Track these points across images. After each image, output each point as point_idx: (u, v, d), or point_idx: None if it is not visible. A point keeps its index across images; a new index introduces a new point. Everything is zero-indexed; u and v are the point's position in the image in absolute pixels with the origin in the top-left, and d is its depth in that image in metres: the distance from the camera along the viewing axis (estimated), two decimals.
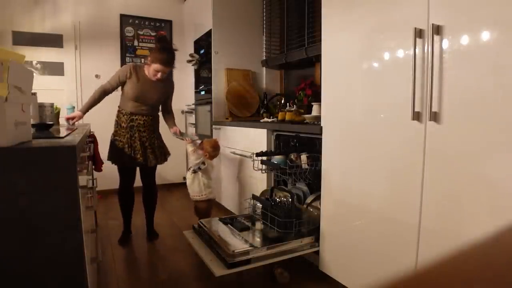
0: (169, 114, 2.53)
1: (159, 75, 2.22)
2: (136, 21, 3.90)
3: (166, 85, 2.39)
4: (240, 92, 3.15)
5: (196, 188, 2.41)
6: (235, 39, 3.20)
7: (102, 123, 3.54)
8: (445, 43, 1.16)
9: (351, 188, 1.61)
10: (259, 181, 2.45)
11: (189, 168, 2.45)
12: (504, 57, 1.01)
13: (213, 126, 3.17)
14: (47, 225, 0.81)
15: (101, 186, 2.93)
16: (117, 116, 2.37)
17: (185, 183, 4.08)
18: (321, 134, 1.77)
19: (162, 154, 2.43)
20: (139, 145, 2.29)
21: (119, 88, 2.35)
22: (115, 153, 2.30)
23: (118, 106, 2.38)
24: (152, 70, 2.21)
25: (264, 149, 2.34)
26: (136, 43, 3.92)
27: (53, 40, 3.52)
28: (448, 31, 1.15)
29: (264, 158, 2.24)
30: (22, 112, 0.89)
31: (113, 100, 3.94)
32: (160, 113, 2.49)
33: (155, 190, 2.52)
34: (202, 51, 3.46)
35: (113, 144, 2.32)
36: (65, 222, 0.83)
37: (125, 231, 2.45)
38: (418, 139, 1.27)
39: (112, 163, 2.33)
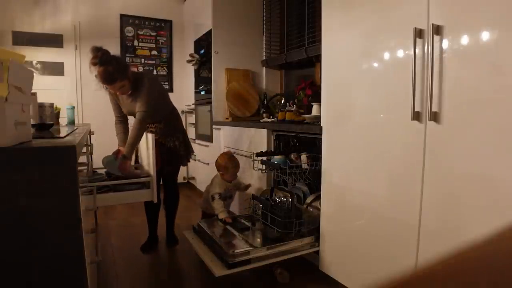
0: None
1: (119, 93, 1.97)
2: (136, 21, 3.90)
3: (136, 89, 2.01)
4: (240, 92, 3.15)
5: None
6: (235, 39, 3.20)
7: (103, 123, 3.55)
8: (445, 43, 1.16)
9: (351, 188, 1.61)
10: (259, 181, 2.44)
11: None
12: (504, 57, 1.01)
13: (213, 126, 3.17)
14: (47, 225, 0.81)
15: None
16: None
17: (186, 183, 4.10)
18: (321, 134, 1.77)
19: (179, 157, 2.29)
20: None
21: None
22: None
23: None
24: None
25: (264, 149, 2.34)
26: (136, 43, 3.92)
27: (53, 40, 3.52)
28: (448, 31, 1.15)
29: (264, 158, 2.24)
30: (22, 112, 0.89)
31: None
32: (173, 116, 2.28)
33: (175, 194, 2.37)
34: (202, 51, 3.46)
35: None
36: (65, 222, 0.83)
37: (149, 238, 2.32)
38: (418, 139, 1.27)
39: None
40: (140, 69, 3.95)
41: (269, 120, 2.75)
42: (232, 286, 1.83)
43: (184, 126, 4.11)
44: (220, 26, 3.14)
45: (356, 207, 1.59)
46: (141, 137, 2.01)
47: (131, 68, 2.04)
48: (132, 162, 2.34)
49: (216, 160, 2.30)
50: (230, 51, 3.20)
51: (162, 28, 4.03)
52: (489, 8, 1.04)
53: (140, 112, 1.96)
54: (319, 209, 1.86)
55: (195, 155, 2.45)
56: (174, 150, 2.26)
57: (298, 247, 1.81)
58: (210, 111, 3.26)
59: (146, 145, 2.23)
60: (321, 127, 1.76)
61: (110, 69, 1.83)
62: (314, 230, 1.86)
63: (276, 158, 2.16)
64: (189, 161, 2.41)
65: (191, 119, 3.91)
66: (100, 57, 1.83)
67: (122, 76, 1.89)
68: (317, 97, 2.05)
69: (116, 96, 2.14)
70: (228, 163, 2.24)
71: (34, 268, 0.81)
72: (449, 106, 1.17)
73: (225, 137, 2.92)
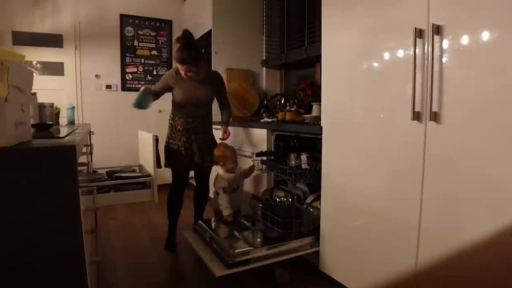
0: (222, 109, 2.44)
1: (184, 74, 2.12)
2: (136, 21, 3.90)
3: (210, 81, 2.26)
4: (240, 92, 3.15)
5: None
6: (235, 39, 3.20)
7: (103, 123, 3.56)
8: (445, 43, 1.16)
9: (351, 188, 1.61)
10: (259, 181, 2.44)
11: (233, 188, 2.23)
12: (504, 57, 1.01)
13: (213, 126, 3.16)
14: (47, 225, 0.81)
15: None
16: (172, 120, 2.28)
17: None
18: (321, 134, 1.77)
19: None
20: (196, 148, 2.22)
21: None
22: (171, 157, 2.25)
23: (172, 110, 2.30)
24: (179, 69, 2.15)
25: (264, 149, 2.34)
26: (136, 43, 3.92)
27: (53, 40, 3.52)
28: (448, 31, 1.15)
29: (264, 158, 2.24)
30: (22, 112, 0.89)
31: (114, 99, 3.95)
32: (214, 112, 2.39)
33: (208, 190, 2.47)
34: (202, 51, 3.46)
35: (168, 148, 2.26)
36: (65, 222, 0.82)
37: (170, 236, 2.34)
38: (418, 139, 1.27)
39: (168, 167, 2.29)
40: (140, 69, 3.96)
41: (269, 120, 2.75)
42: (232, 286, 1.83)
43: None
44: (220, 26, 3.14)
45: (356, 207, 1.59)
46: None
47: (203, 60, 2.22)
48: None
49: (213, 154, 2.27)
50: (230, 51, 3.20)
51: (162, 28, 4.03)
52: (489, 8, 1.04)
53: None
54: (319, 209, 1.85)
55: None
56: (211, 148, 2.31)
57: (298, 247, 1.81)
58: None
59: (140, 144, 2.22)
60: (321, 127, 1.76)
61: (190, 53, 2.05)
62: (314, 230, 1.86)
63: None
64: None
65: None
66: (190, 38, 2.10)
67: (195, 63, 2.09)
68: (317, 97, 2.05)
69: (181, 80, 2.19)
70: (225, 151, 2.23)
71: (34, 268, 0.81)
72: (449, 106, 1.17)
73: None
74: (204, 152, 2.25)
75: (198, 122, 2.23)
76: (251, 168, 2.27)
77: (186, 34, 2.11)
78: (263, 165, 2.27)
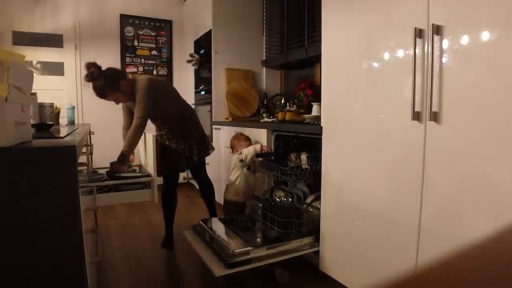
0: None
1: (116, 103, 2.10)
2: (136, 21, 3.90)
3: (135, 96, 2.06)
4: (240, 92, 3.15)
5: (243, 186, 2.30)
6: (235, 39, 3.20)
7: (103, 123, 3.56)
8: (445, 43, 1.16)
9: (351, 188, 1.61)
10: (259, 181, 2.44)
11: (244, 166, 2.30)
12: (504, 57, 1.01)
13: (213, 126, 3.17)
14: (47, 225, 0.81)
15: None
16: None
17: (185, 183, 4.10)
18: (321, 134, 1.77)
19: (200, 152, 2.30)
20: (169, 153, 2.24)
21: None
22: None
23: None
24: None
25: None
26: (136, 43, 3.92)
27: (53, 40, 3.52)
28: (448, 31, 1.15)
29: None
30: (22, 112, 0.89)
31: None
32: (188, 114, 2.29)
33: (209, 184, 2.49)
34: (202, 51, 3.46)
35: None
36: (65, 222, 0.82)
37: (166, 235, 2.37)
38: (418, 139, 1.27)
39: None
40: (140, 69, 3.96)
41: (269, 120, 2.75)
42: (232, 286, 1.83)
43: None
44: (220, 26, 3.14)
45: (356, 207, 1.59)
46: (136, 143, 2.05)
47: (125, 79, 2.07)
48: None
49: (230, 141, 2.50)
50: (230, 51, 3.20)
51: (162, 28, 4.03)
52: (489, 8, 1.04)
53: (135, 118, 2.01)
54: (319, 209, 1.85)
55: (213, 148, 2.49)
56: (189, 149, 2.27)
57: (298, 247, 1.81)
58: (210, 111, 3.26)
59: (145, 146, 2.22)
60: (321, 127, 1.76)
61: (98, 84, 1.96)
62: (314, 230, 1.86)
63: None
64: (209, 154, 2.41)
65: None
66: (91, 74, 1.95)
67: (111, 90, 2.00)
68: (317, 97, 2.05)
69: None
70: (240, 137, 2.45)
71: (34, 268, 0.81)
72: (449, 106, 1.17)
73: (225, 137, 2.92)
74: (178, 155, 2.24)
75: (167, 129, 2.25)
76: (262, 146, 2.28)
77: (89, 68, 1.96)
78: (264, 166, 2.27)
